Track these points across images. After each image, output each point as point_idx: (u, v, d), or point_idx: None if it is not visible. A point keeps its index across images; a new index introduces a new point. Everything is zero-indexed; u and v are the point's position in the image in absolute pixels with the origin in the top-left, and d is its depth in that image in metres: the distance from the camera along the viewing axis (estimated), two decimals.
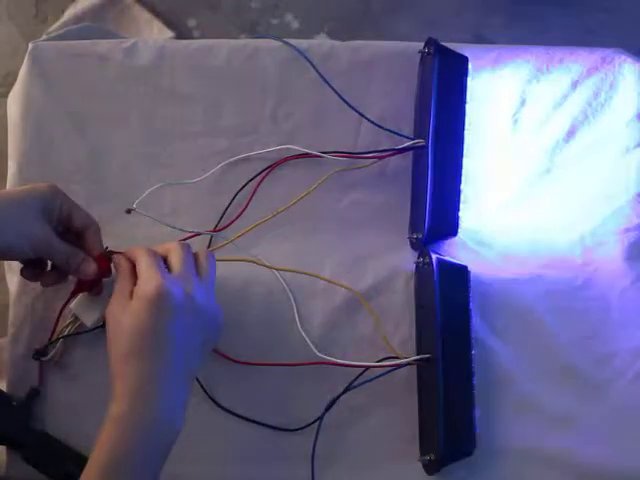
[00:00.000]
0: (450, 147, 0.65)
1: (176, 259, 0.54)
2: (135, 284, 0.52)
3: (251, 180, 0.68)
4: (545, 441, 0.65)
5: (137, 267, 0.53)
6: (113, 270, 0.59)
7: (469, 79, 0.66)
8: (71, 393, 0.64)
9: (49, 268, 0.60)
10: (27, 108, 0.68)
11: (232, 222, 0.66)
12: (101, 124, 0.69)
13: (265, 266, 0.64)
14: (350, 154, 0.67)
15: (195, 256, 0.56)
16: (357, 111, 0.67)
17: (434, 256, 0.63)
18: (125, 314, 0.51)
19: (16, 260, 0.59)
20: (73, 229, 0.57)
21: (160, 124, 0.69)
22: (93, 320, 0.61)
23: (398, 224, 0.69)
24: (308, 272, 0.65)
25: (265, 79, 0.69)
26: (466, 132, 0.66)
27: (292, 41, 0.69)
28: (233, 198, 0.68)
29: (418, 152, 0.67)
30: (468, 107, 0.66)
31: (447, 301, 0.62)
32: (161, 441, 0.49)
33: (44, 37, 0.72)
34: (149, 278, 0.51)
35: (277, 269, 0.66)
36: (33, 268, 0.59)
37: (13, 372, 0.65)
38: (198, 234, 0.64)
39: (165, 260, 0.55)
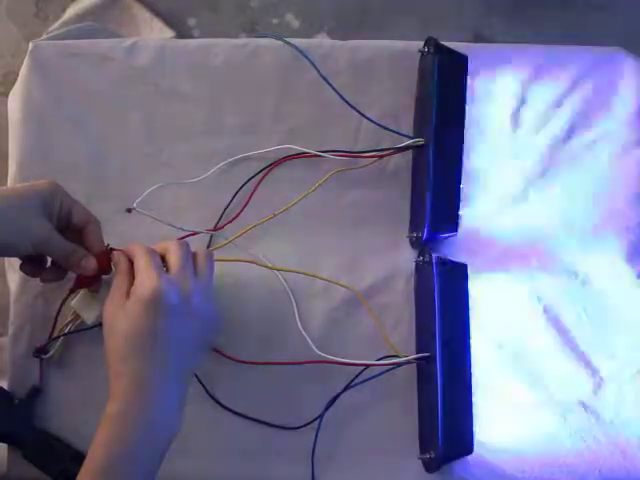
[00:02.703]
0: (450, 146, 0.65)
1: (174, 258, 0.54)
2: (132, 283, 0.52)
3: (251, 179, 0.68)
4: (541, 441, 0.65)
5: (135, 266, 0.53)
6: (113, 267, 0.59)
7: (468, 78, 0.66)
8: (72, 391, 0.65)
9: (49, 264, 0.60)
10: (27, 108, 0.68)
11: (231, 221, 0.66)
12: (101, 124, 0.69)
13: (265, 266, 0.64)
14: (350, 153, 0.67)
15: (194, 255, 0.56)
16: (357, 110, 0.67)
17: (434, 255, 0.63)
18: (121, 314, 0.51)
19: (16, 257, 0.59)
20: (73, 226, 0.57)
21: (160, 124, 0.69)
22: (94, 317, 0.61)
23: (398, 223, 0.69)
24: (307, 272, 0.65)
25: (265, 79, 0.69)
26: (465, 131, 0.66)
27: (292, 40, 0.69)
28: (233, 197, 0.68)
29: (418, 151, 0.67)
30: (467, 106, 0.66)
31: (447, 300, 0.62)
32: (158, 440, 0.50)
33: (44, 36, 0.72)
34: (146, 278, 0.51)
35: (277, 269, 0.66)
36: (32, 264, 0.59)
37: (14, 371, 0.65)
38: (198, 233, 0.64)
39: (163, 258, 0.54)
